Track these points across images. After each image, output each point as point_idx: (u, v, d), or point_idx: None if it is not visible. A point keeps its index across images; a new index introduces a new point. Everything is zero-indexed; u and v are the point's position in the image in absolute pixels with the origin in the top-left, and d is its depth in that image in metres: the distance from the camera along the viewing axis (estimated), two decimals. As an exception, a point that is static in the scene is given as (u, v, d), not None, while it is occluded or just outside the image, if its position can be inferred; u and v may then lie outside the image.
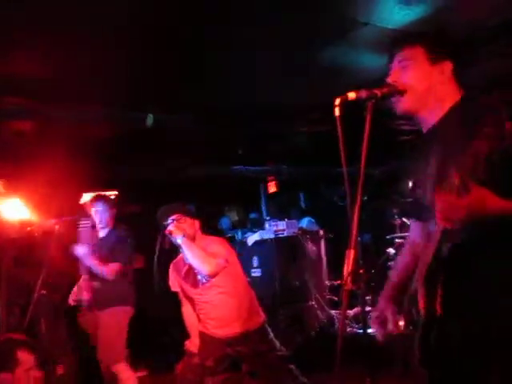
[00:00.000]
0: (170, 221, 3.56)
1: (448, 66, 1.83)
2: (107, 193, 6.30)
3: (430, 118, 1.86)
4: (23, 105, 4.51)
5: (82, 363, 4.74)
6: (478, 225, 1.57)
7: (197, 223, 3.70)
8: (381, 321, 1.98)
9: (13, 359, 3.04)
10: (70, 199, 5.72)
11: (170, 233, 3.48)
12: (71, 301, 4.45)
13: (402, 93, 1.82)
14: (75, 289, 4.45)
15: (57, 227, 4.57)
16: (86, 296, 4.31)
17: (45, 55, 3.84)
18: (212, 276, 3.49)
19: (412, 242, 2.11)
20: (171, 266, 3.82)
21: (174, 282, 3.79)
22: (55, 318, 5.01)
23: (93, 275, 4.35)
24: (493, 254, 1.67)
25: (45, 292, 4.46)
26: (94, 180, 5.83)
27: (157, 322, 6.28)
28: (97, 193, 4.75)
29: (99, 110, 4.94)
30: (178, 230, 3.49)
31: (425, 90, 1.82)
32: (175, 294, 3.81)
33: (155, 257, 3.45)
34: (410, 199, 2.05)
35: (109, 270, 4.27)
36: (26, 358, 3.08)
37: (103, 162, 5.90)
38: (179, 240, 3.46)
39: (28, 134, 5.16)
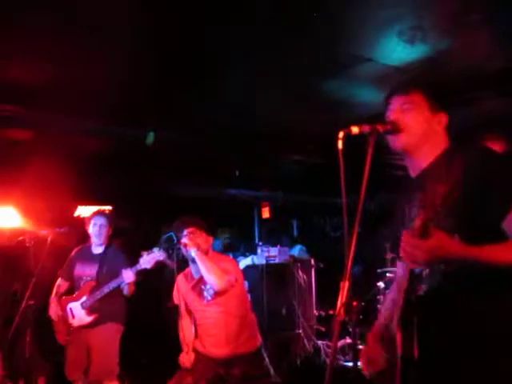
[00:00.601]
0: (185, 232, 3.57)
1: (444, 118, 1.93)
2: (101, 207, 6.31)
3: (421, 161, 1.93)
4: (19, 113, 4.52)
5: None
6: (442, 269, 1.63)
7: (210, 239, 3.70)
8: (368, 359, 2.00)
9: None
10: (63, 210, 5.72)
11: (185, 245, 3.48)
12: (54, 315, 4.36)
13: (400, 130, 1.88)
14: (54, 302, 4.35)
15: (49, 238, 4.54)
16: (93, 316, 4.22)
17: (44, 66, 3.87)
18: (221, 292, 3.48)
19: (398, 278, 2.15)
20: (178, 278, 3.81)
21: (178, 295, 3.78)
22: (40, 328, 4.95)
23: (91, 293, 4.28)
24: (465, 297, 1.70)
25: (33, 302, 4.41)
26: (87, 193, 5.82)
27: (144, 336, 6.24)
28: (98, 207, 4.72)
29: (98, 124, 4.96)
30: (193, 242, 3.49)
31: (422, 133, 1.89)
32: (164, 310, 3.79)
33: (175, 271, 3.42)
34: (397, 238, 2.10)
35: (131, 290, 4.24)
36: None
37: (98, 176, 5.90)
38: (193, 253, 3.46)
39: (23, 143, 5.17)
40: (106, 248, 4.43)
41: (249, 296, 3.82)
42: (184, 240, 3.50)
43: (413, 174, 1.98)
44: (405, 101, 1.91)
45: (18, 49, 3.58)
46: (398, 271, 2.15)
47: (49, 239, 4.41)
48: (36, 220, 4.91)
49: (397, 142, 1.91)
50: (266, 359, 3.63)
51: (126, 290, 4.21)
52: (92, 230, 4.39)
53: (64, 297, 4.39)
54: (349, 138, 1.79)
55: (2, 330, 5.00)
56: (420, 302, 1.73)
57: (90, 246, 4.47)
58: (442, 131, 1.92)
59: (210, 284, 3.49)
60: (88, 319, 4.22)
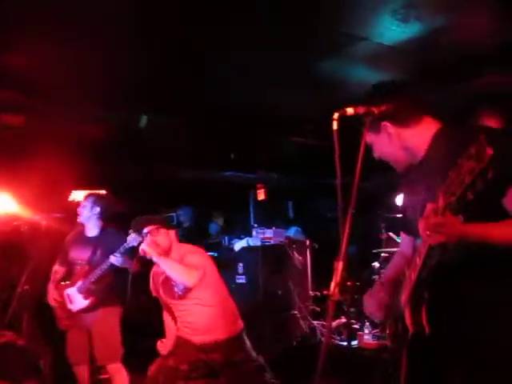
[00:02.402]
0: (144, 232, 3.58)
1: (415, 120, 1.94)
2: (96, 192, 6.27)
3: (419, 153, 1.96)
4: (14, 99, 4.49)
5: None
6: (462, 245, 1.64)
7: (172, 233, 3.70)
8: (379, 302, 2.05)
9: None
10: (59, 196, 5.70)
11: (145, 253, 3.47)
12: (52, 301, 4.38)
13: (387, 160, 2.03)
14: (51, 288, 4.37)
15: (44, 223, 4.53)
16: (90, 299, 4.22)
17: (39, 52, 3.83)
18: (191, 287, 3.49)
19: (401, 252, 2.21)
20: (151, 274, 3.83)
21: (153, 288, 3.81)
22: (37, 313, 4.97)
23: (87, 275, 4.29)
24: (478, 274, 1.73)
25: (28, 287, 4.41)
26: (83, 178, 5.81)
27: (136, 324, 6.28)
28: (89, 191, 4.70)
29: (92, 109, 4.93)
30: (151, 247, 3.48)
31: (403, 149, 1.97)
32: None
33: (129, 280, 3.44)
34: (398, 215, 2.14)
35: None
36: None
37: (94, 161, 5.87)
38: (155, 259, 3.46)
39: (18, 129, 5.14)
40: (101, 231, 4.41)
41: (238, 280, 3.82)
42: (142, 248, 3.48)
43: (414, 160, 2.01)
44: (368, 137, 1.94)
45: (13, 35, 3.54)
46: (403, 245, 2.21)
47: (43, 224, 4.40)
48: (31, 205, 4.90)
49: (398, 170, 2.05)
50: (248, 343, 3.65)
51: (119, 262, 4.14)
52: (81, 211, 4.37)
53: (62, 283, 4.39)
54: (344, 119, 1.79)
55: (0, 315, 5.02)
56: (431, 279, 1.76)
57: (83, 230, 4.45)
58: (422, 127, 1.93)
59: (178, 283, 3.51)
60: (85, 303, 4.23)
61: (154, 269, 3.79)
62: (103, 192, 6.27)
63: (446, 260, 1.72)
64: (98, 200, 4.47)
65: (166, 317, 3.80)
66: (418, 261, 1.77)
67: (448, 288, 1.76)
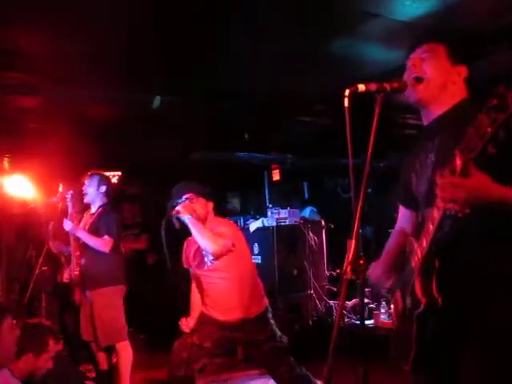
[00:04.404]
0: (183, 199, 3.58)
1: (464, 70, 1.92)
2: (110, 173, 6.33)
3: (436, 110, 1.92)
4: (26, 81, 4.50)
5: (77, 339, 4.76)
6: (479, 210, 1.58)
7: (210, 205, 3.71)
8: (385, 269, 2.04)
9: (43, 344, 3.14)
10: (73, 178, 5.75)
11: (178, 212, 3.49)
12: (65, 278, 4.47)
13: (420, 80, 1.89)
14: (70, 266, 4.47)
15: (60, 205, 4.58)
16: (74, 271, 4.34)
17: (51, 33, 3.82)
18: (217, 256, 3.50)
19: (400, 229, 2.16)
20: (185, 244, 3.86)
21: (185, 259, 3.83)
22: (54, 293, 5.05)
23: (84, 253, 4.37)
24: (492, 243, 1.69)
25: (46, 268, 4.49)
26: (97, 160, 5.84)
27: (154, 301, 6.38)
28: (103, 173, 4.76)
29: (106, 90, 4.93)
30: (186, 209, 3.49)
31: (440, 83, 1.89)
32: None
33: (163, 237, 3.44)
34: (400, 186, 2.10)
35: (103, 243, 4.27)
36: (52, 345, 3.20)
37: (108, 143, 5.90)
38: (186, 219, 3.47)
39: (32, 111, 5.17)
40: (98, 208, 4.49)
41: (254, 260, 3.82)
42: (177, 208, 3.50)
43: (426, 122, 1.97)
44: (425, 50, 1.92)
45: (20, 17, 3.53)
46: (401, 221, 2.17)
47: (59, 206, 4.45)
48: (47, 188, 4.95)
49: (413, 92, 1.90)
50: (272, 322, 3.66)
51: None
52: (88, 191, 4.48)
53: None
54: (357, 97, 1.77)
55: (19, 296, 5.11)
56: (442, 247, 1.71)
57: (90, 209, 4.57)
58: (460, 83, 1.92)
59: (204, 248, 3.52)
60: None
61: (188, 239, 3.80)
62: (118, 174, 6.33)
63: (460, 228, 1.67)
64: (103, 179, 4.58)
65: (194, 293, 3.83)
66: (431, 227, 1.71)
67: (461, 257, 1.72)
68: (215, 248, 3.45)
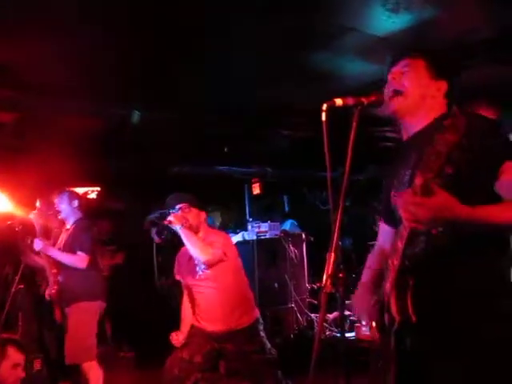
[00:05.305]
0: (176, 209, 3.64)
1: (444, 86, 1.93)
2: (89, 188, 6.27)
3: (414, 126, 1.93)
4: (6, 96, 4.46)
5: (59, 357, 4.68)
6: (451, 227, 1.60)
7: (202, 215, 3.77)
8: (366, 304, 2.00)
9: (1, 353, 3.09)
10: (51, 194, 5.68)
11: (170, 222, 3.53)
12: (46, 295, 4.41)
13: (398, 92, 1.90)
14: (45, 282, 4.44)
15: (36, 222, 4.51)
16: (52, 290, 4.29)
17: (29, 46, 3.79)
18: (208, 265, 3.53)
19: (380, 246, 2.16)
20: (179, 253, 3.88)
21: (177, 270, 3.85)
22: (33, 312, 4.96)
23: (61, 270, 4.33)
24: (466, 259, 1.71)
25: (23, 286, 4.41)
26: (76, 175, 5.79)
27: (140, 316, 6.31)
28: (85, 189, 4.76)
29: (85, 104, 4.90)
30: (177, 219, 3.53)
31: (419, 96, 1.90)
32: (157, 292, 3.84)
33: (154, 250, 3.44)
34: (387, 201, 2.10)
35: (78, 259, 4.23)
36: (13, 354, 3.13)
37: (87, 158, 5.85)
38: (177, 229, 3.51)
39: (9, 126, 5.11)
40: (72, 224, 4.49)
41: (243, 271, 3.84)
42: (169, 218, 3.54)
43: (405, 136, 1.98)
44: (405, 64, 1.93)
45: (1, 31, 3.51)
46: (381, 237, 2.17)
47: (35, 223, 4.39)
48: (26, 205, 4.88)
49: (391, 104, 1.91)
50: (262, 334, 3.66)
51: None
52: (61, 209, 4.50)
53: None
54: (335, 111, 1.78)
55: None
56: (416, 265, 1.72)
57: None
58: (440, 98, 1.92)
59: (195, 257, 3.54)
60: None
61: (182, 250, 3.82)
62: (97, 189, 6.27)
63: (434, 244, 1.69)
64: (73, 193, 4.62)
65: (184, 307, 3.82)
66: (400, 245, 1.72)
67: (434, 274, 1.72)
68: (206, 257, 3.48)
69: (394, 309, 1.74)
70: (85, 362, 4.19)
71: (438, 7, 3.46)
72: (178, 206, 3.67)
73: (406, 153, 1.94)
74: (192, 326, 3.68)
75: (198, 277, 3.65)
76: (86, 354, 4.21)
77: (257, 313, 3.73)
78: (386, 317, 1.81)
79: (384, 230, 2.15)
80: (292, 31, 3.70)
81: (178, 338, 3.66)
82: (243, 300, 3.68)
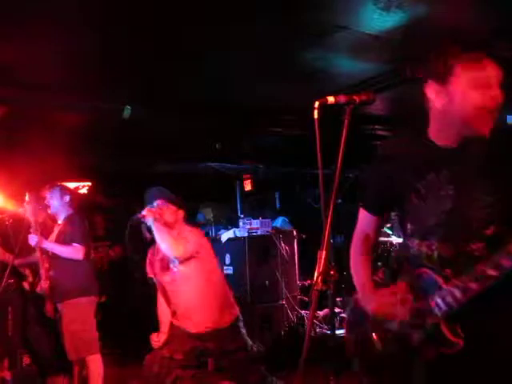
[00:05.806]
0: (154, 204, 3.64)
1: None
2: (80, 183, 6.24)
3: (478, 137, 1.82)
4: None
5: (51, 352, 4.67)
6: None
7: (180, 213, 3.74)
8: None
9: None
10: (41, 188, 5.66)
11: (143, 216, 3.52)
12: (38, 289, 4.40)
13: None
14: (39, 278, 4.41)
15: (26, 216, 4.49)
16: (44, 285, 4.27)
17: (18, 41, 3.76)
18: (180, 260, 3.52)
19: (365, 232, 2.21)
20: (149, 251, 3.86)
21: (149, 268, 3.82)
22: (23, 306, 4.94)
23: (53, 265, 4.31)
24: None
25: (12, 281, 4.39)
26: (66, 170, 5.76)
27: (131, 310, 6.30)
28: (75, 184, 4.73)
29: (75, 99, 4.88)
30: (150, 213, 3.52)
31: None
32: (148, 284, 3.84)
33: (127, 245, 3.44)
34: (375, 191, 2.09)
35: (74, 250, 4.22)
36: None
37: (78, 153, 5.83)
38: (150, 223, 3.50)
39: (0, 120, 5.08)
40: (64, 219, 4.46)
41: (221, 270, 3.84)
42: (143, 212, 3.54)
43: (448, 141, 1.88)
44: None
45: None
46: (364, 225, 2.22)
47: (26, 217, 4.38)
48: (15, 198, 4.86)
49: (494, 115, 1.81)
50: (243, 331, 3.66)
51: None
52: (51, 204, 4.46)
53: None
54: (327, 108, 1.78)
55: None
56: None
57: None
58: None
59: (165, 252, 3.53)
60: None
61: (153, 247, 3.80)
62: (88, 184, 6.25)
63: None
64: (64, 188, 4.56)
65: (160, 306, 3.81)
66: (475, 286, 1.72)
67: (485, 304, 1.73)
68: (176, 252, 3.48)
69: (448, 334, 1.75)
70: (88, 355, 4.21)
71: (429, 5, 3.46)
72: (156, 202, 3.67)
73: (436, 158, 1.87)
74: (172, 325, 3.66)
75: (172, 274, 3.63)
76: (88, 347, 4.22)
77: (237, 310, 3.72)
78: (417, 335, 1.81)
79: (368, 219, 2.19)
80: (284, 29, 3.69)
81: (158, 340, 3.65)
82: (222, 299, 3.67)
